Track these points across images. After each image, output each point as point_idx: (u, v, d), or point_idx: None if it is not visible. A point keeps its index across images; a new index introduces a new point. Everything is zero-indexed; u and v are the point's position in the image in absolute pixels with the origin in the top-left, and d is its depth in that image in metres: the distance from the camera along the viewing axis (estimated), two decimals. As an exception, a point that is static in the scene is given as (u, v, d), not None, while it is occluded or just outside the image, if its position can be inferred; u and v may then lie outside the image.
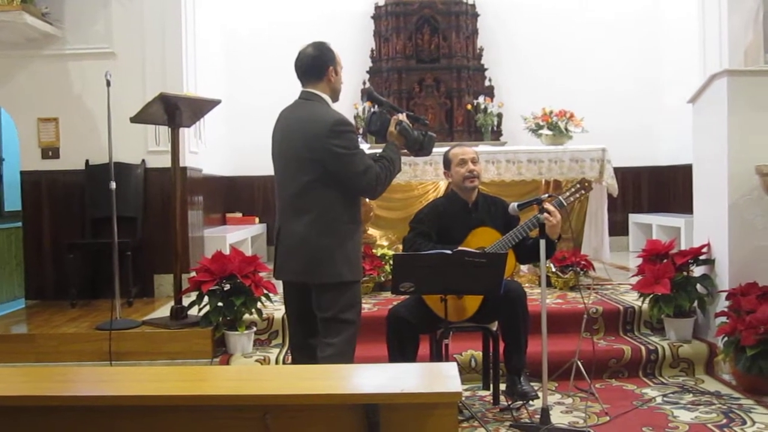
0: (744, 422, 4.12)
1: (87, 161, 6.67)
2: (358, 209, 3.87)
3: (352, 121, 9.25)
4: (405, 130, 3.85)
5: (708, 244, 5.21)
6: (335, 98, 3.89)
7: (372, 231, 7.30)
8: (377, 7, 9.50)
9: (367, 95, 3.78)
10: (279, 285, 6.18)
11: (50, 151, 6.75)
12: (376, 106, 3.98)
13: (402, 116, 3.89)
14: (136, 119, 5.49)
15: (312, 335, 3.88)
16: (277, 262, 3.88)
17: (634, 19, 9.46)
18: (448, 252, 3.88)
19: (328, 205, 3.69)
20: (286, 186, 3.80)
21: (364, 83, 9.47)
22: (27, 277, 6.87)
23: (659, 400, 4.54)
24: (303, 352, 3.94)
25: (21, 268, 7.17)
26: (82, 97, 6.70)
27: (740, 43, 6.79)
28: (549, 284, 6.20)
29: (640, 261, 5.41)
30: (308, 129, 3.68)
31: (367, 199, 3.99)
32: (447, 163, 4.60)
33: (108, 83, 5.43)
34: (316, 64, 3.82)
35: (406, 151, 3.93)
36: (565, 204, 4.25)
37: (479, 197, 4.58)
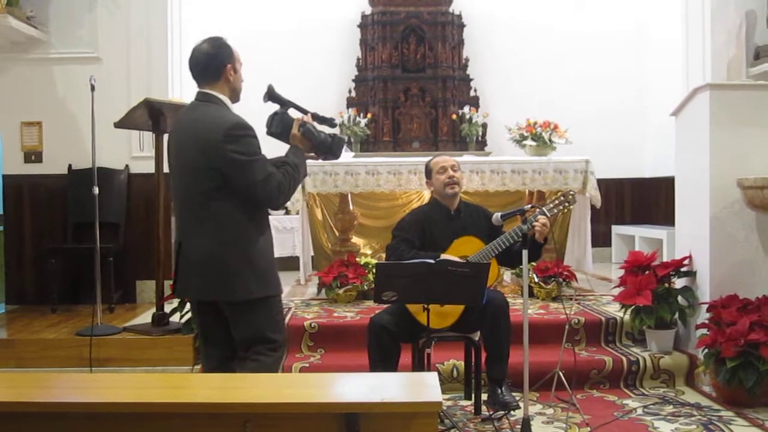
0: (723, 434, 4.15)
1: (70, 166, 6.64)
2: (265, 217, 3.56)
3: (335, 130, 9.26)
4: (309, 132, 3.55)
5: (689, 257, 5.24)
6: (235, 99, 3.57)
7: (356, 239, 7.30)
8: (364, 16, 9.53)
9: (267, 94, 3.59)
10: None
11: (33, 155, 6.72)
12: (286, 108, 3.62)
13: (307, 117, 3.60)
14: (120, 124, 5.48)
15: (231, 358, 3.57)
16: (179, 280, 3.54)
17: (620, 33, 9.52)
18: (431, 261, 3.88)
19: (232, 217, 3.38)
20: (185, 197, 3.48)
21: (350, 91, 9.49)
22: (7, 281, 6.82)
23: (640, 411, 4.55)
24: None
25: (1, 272, 7.13)
26: (66, 102, 6.68)
27: (723, 57, 6.87)
28: (531, 294, 6.21)
29: (622, 272, 5.42)
30: (202, 134, 3.36)
31: (270, 209, 3.59)
32: (428, 172, 4.69)
33: (92, 88, 5.41)
34: (212, 63, 3.47)
35: (313, 154, 3.64)
36: (548, 214, 4.29)
37: (461, 205, 4.63)
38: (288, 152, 3.55)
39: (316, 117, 3.64)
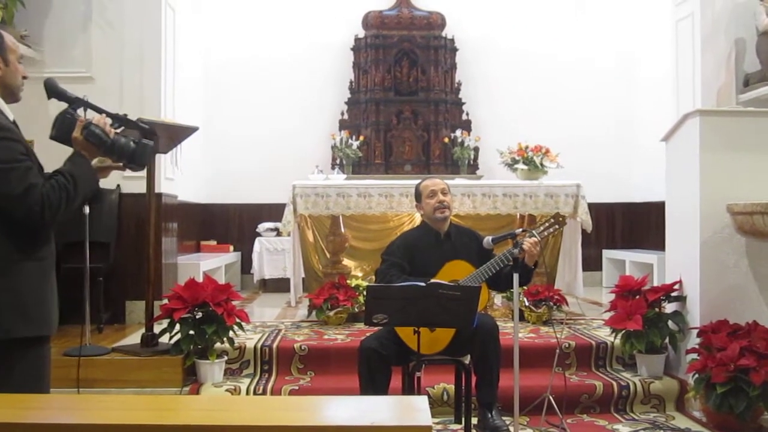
0: (713, 460, 4.13)
1: (61, 185, 6.60)
2: (39, 237, 2.93)
3: (328, 152, 9.26)
4: (93, 136, 2.97)
5: (680, 281, 5.25)
6: (11, 96, 3.11)
7: (347, 261, 7.30)
8: (357, 39, 9.57)
9: (48, 90, 3.13)
10: (250, 314, 6.17)
11: (24, 174, 6.68)
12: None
13: (99, 118, 3.05)
14: (112, 144, 5.46)
15: None
16: None
17: (610, 60, 9.61)
18: (422, 284, 3.88)
19: None
20: None
21: (343, 114, 9.51)
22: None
23: (630, 436, 4.55)
24: None
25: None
26: (59, 121, 6.66)
27: (713, 84, 6.92)
28: (522, 318, 6.21)
29: (612, 297, 5.43)
30: None
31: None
32: (418, 195, 4.68)
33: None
34: None
35: (116, 163, 3.11)
36: (538, 237, 4.30)
37: (451, 228, 4.62)
38: (66, 161, 3.03)
39: (117, 118, 3.14)
